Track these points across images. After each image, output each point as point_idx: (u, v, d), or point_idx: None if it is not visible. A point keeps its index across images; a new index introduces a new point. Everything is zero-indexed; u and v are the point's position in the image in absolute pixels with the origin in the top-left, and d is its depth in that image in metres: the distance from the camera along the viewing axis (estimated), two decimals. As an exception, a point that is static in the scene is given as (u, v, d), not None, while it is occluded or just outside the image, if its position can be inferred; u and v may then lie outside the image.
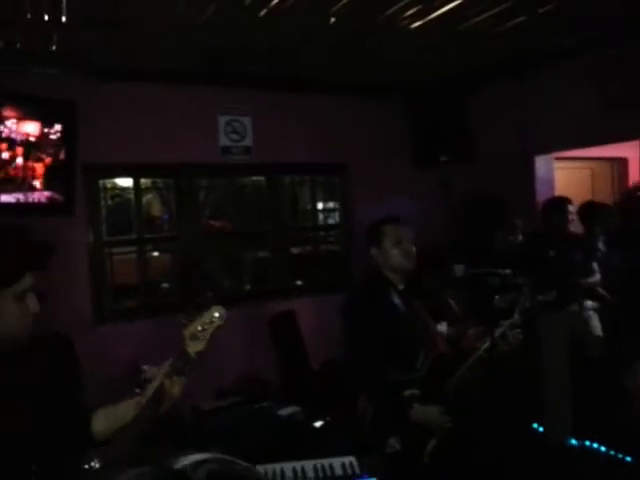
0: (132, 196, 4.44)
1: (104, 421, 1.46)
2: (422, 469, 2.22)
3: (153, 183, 4.92)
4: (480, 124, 4.76)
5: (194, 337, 1.36)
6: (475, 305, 3.36)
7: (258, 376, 4.22)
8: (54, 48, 3.55)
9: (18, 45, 3.45)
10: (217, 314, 1.38)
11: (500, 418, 2.96)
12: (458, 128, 4.78)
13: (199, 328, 1.36)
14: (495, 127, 4.67)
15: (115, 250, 4.35)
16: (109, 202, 4.72)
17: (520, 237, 4.27)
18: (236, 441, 2.93)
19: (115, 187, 4.85)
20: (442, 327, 2.86)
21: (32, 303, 1.28)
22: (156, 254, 4.79)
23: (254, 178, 5.10)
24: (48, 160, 3.71)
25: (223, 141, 4.55)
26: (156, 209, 5.18)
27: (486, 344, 2.29)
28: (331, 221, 5.40)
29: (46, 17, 3.07)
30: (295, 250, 5.13)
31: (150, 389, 1.38)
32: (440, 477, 2.20)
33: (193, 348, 1.37)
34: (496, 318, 2.41)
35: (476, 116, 4.79)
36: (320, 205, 5.38)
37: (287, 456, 1.96)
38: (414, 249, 2.48)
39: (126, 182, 4.62)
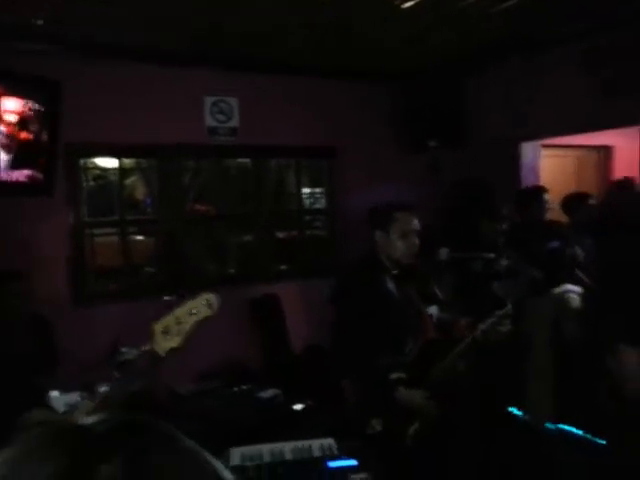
0: (115, 177, 4.37)
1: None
2: (403, 452, 2.23)
3: (137, 164, 4.84)
4: (470, 109, 4.73)
5: (166, 332, 1.18)
6: (458, 289, 3.36)
7: (240, 359, 4.20)
8: (39, 23, 3.45)
9: (2, 19, 3.34)
10: (204, 302, 1.20)
11: (484, 403, 2.98)
12: (448, 113, 4.75)
13: (174, 321, 1.18)
14: (485, 112, 4.65)
15: (96, 231, 4.29)
16: (91, 183, 4.65)
17: (505, 226, 4.28)
18: (215, 424, 2.92)
19: (97, 167, 4.77)
20: (433, 310, 2.85)
21: None
22: (139, 237, 4.73)
23: (240, 160, 5.04)
24: (29, 138, 3.62)
25: (209, 121, 4.48)
26: (140, 192, 5.11)
27: (476, 333, 2.29)
28: (317, 205, 5.37)
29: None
30: (280, 234, 5.10)
31: (102, 394, 1.28)
32: (420, 460, 2.21)
33: (163, 345, 1.18)
34: (486, 304, 2.41)
35: (467, 101, 4.76)
36: (306, 189, 5.34)
37: (267, 439, 1.94)
38: (417, 242, 2.45)
39: (109, 163, 4.54)
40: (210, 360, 4.11)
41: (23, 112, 3.60)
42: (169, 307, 1.30)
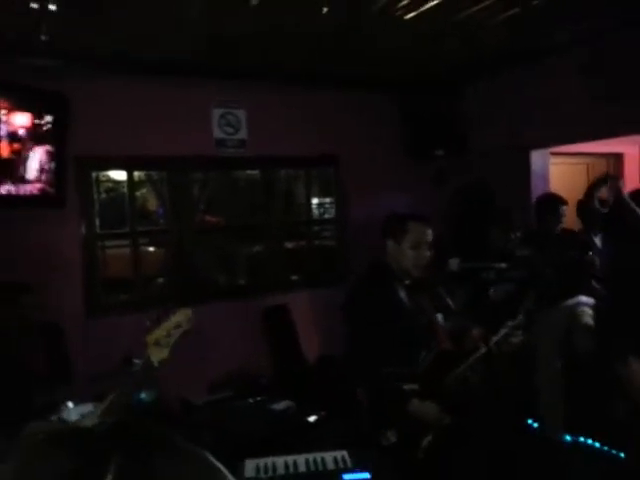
0: (126, 189, 4.41)
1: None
2: (416, 464, 2.20)
3: (147, 176, 4.88)
4: (475, 117, 4.73)
5: (158, 344, 1.24)
6: (470, 299, 3.35)
7: (251, 370, 4.20)
8: (43, 38, 3.50)
9: (8, 35, 3.40)
10: (183, 317, 1.26)
11: (497, 416, 2.95)
12: (453, 121, 4.76)
13: (164, 333, 1.23)
14: (491, 121, 4.65)
15: (108, 243, 4.32)
16: (103, 195, 4.69)
17: (519, 234, 4.25)
18: (228, 435, 2.91)
19: (109, 180, 4.81)
20: (439, 318, 2.84)
21: None
22: (150, 248, 4.75)
23: (248, 172, 5.07)
24: (39, 152, 3.67)
25: (217, 134, 4.52)
26: (152, 203, 5.15)
27: (490, 344, 2.27)
28: (326, 215, 5.38)
29: (34, 5, 3.02)
30: (289, 244, 5.11)
31: (106, 401, 1.27)
32: (434, 473, 2.19)
33: (156, 356, 1.25)
34: (495, 314, 2.40)
35: (471, 109, 4.76)
36: (315, 199, 5.35)
37: (280, 450, 1.93)
38: (429, 254, 2.44)
39: (120, 175, 4.59)
40: (222, 371, 4.11)
41: (32, 126, 3.65)
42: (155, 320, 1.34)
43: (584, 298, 3.89)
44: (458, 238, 4.40)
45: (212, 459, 0.46)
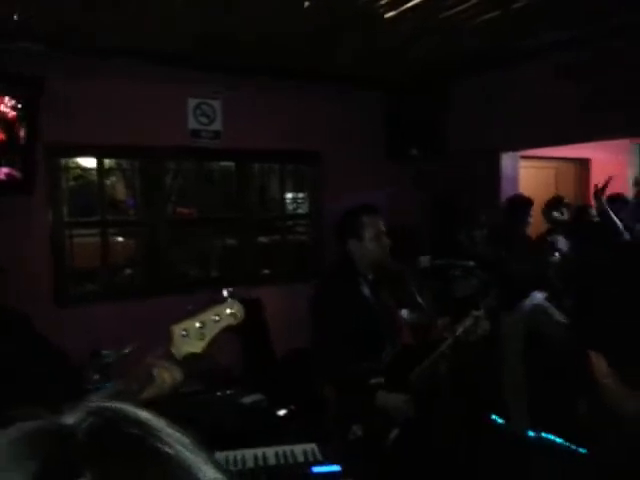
0: (96, 177, 4.32)
1: None
2: (384, 457, 2.24)
3: (118, 165, 4.79)
4: (451, 119, 4.79)
5: (186, 335, 1.11)
6: (438, 295, 3.40)
7: (221, 364, 4.17)
8: (16, 17, 3.39)
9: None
10: (229, 311, 1.14)
11: (461, 409, 3.02)
12: (429, 122, 4.81)
13: (196, 325, 1.11)
14: (466, 122, 4.72)
15: (76, 232, 4.22)
16: (71, 183, 4.58)
17: (485, 231, 4.35)
18: (197, 428, 2.90)
19: (78, 167, 4.70)
20: (403, 313, 2.88)
21: None
22: (120, 238, 4.67)
23: (223, 164, 5.03)
24: (7, 136, 3.56)
25: (192, 124, 4.46)
26: (121, 192, 5.05)
27: (458, 331, 2.32)
28: (300, 210, 5.38)
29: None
30: (263, 239, 5.09)
31: (133, 373, 1.18)
32: (401, 465, 2.22)
33: (182, 349, 1.12)
34: (459, 308, 2.44)
35: (448, 110, 4.82)
36: (289, 194, 5.34)
37: (250, 444, 1.94)
38: (389, 242, 2.47)
39: (90, 163, 4.49)
40: (191, 363, 4.08)
41: (2, 110, 3.55)
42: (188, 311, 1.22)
43: (539, 295, 3.97)
44: (430, 237, 4.47)
45: (197, 448, 0.44)
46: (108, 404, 0.45)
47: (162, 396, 1.11)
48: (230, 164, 4.90)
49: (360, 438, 2.20)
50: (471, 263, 2.29)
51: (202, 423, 2.95)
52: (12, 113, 3.57)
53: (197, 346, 1.12)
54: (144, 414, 0.45)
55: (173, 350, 1.11)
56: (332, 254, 4.39)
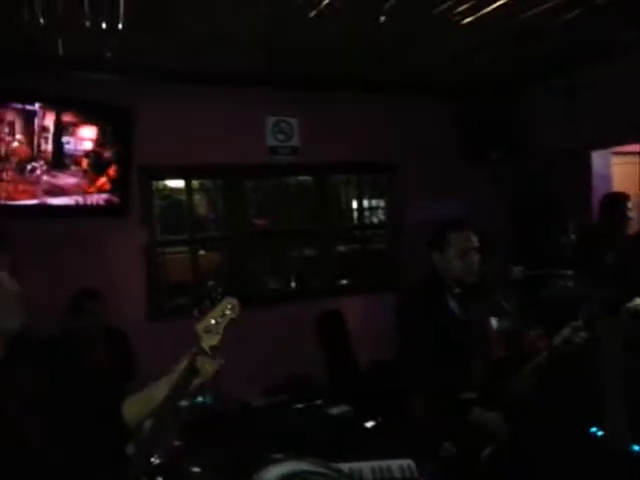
0: (183, 197, 4.56)
1: (134, 405, 1.39)
2: (478, 474, 2.18)
3: (201, 184, 5.03)
4: (532, 120, 4.62)
5: (208, 331, 1.32)
6: (530, 304, 3.27)
7: (305, 375, 4.25)
8: (109, 55, 3.67)
9: (74, 53, 3.57)
10: (229, 306, 1.34)
11: (559, 423, 2.88)
12: (510, 124, 4.67)
13: (212, 322, 1.32)
14: (549, 123, 4.53)
15: (167, 250, 4.47)
16: (160, 202, 4.86)
17: (572, 237, 4.13)
18: (286, 439, 2.96)
19: (166, 188, 4.98)
20: (493, 323, 2.80)
21: (7, 284, 1.15)
22: (207, 254, 4.89)
23: (301, 178, 5.14)
24: (105, 163, 3.85)
25: (270, 141, 4.61)
26: (206, 209, 5.29)
27: (551, 346, 2.22)
28: (377, 220, 5.38)
29: (104, 25, 3.19)
30: (342, 249, 5.14)
31: (179, 368, 1.34)
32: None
33: (207, 342, 1.33)
34: (552, 316, 2.34)
35: (527, 112, 4.66)
36: (366, 203, 5.36)
37: (338, 456, 1.95)
38: (478, 259, 2.40)
39: (176, 183, 4.74)
40: (277, 374, 4.18)
41: (99, 139, 3.84)
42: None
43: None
44: (514, 242, 4.32)
45: None
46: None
47: (206, 384, 1.33)
48: (308, 178, 5.00)
49: (454, 455, 2.16)
50: (570, 272, 2.18)
51: (289, 434, 3.01)
52: (108, 141, 3.86)
53: (216, 339, 1.32)
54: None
55: (203, 345, 1.31)
56: (413, 264, 4.38)
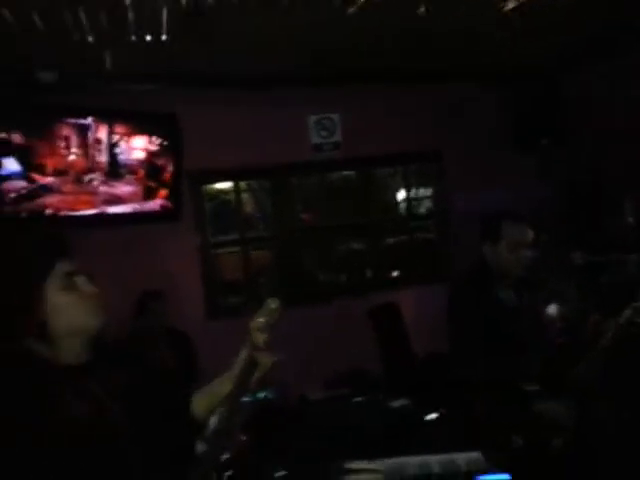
0: (231, 198, 4.66)
1: (200, 401, 1.44)
2: (550, 465, 2.15)
3: (248, 184, 5.11)
4: (585, 103, 4.46)
5: (260, 329, 1.37)
6: (589, 288, 3.18)
7: (362, 368, 4.27)
8: (154, 65, 3.78)
9: (121, 65, 3.70)
10: (273, 306, 1.39)
11: (625, 407, 2.80)
12: (560, 108, 4.53)
13: (261, 319, 1.38)
14: (601, 105, 4.36)
15: (220, 250, 4.58)
16: (209, 204, 4.97)
17: (630, 219, 3.98)
18: (346, 432, 2.99)
19: (213, 190, 5.09)
20: (552, 309, 2.74)
21: (84, 287, 1.21)
22: (257, 252, 4.98)
23: (345, 172, 5.15)
24: (158, 171, 3.98)
25: (314, 139, 4.64)
26: (253, 209, 5.38)
27: (615, 327, 2.16)
28: (426, 210, 5.32)
29: (148, 37, 3.28)
30: (391, 242, 5.13)
31: (240, 362, 1.39)
32: (570, 473, 2.12)
33: (261, 339, 1.37)
34: (614, 300, 2.28)
35: (579, 95, 4.50)
36: (413, 194, 5.31)
37: (400, 450, 1.97)
38: (530, 254, 2.34)
39: (224, 184, 4.84)
40: (335, 368, 4.23)
41: (150, 148, 3.97)
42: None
43: None
44: (572, 229, 4.19)
45: None
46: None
47: (266, 377, 1.39)
48: (351, 172, 5.01)
49: (522, 447, 2.13)
50: (630, 256, 2.11)
51: (350, 426, 3.04)
52: (159, 149, 3.98)
53: (265, 337, 1.36)
54: None
55: (259, 340, 1.36)
56: (461, 253, 4.32)
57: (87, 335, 1.21)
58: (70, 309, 1.17)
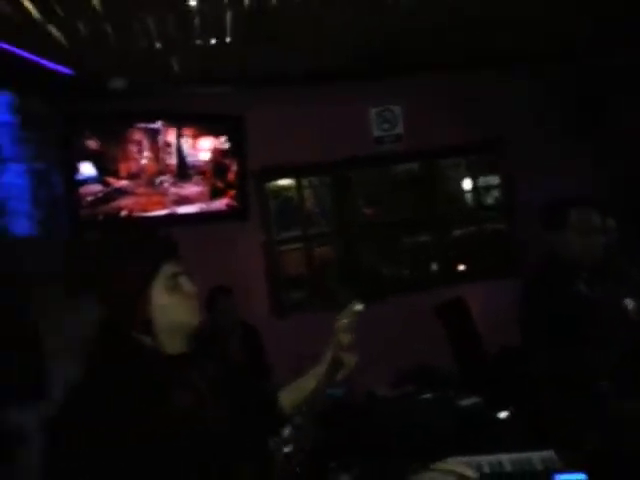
0: (293, 195, 4.70)
1: (287, 395, 1.48)
2: (627, 468, 2.03)
3: (309, 180, 5.14)
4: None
5: (344, 330, 1.39)
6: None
7: (430, 365, 4.20)
8: (217, 67, 3.88)
9: (187, 69, 3.83)
10: (358, 307, 1.40)
11: None
12: (625, 94, 4.26)
13: (345, 320, 1.40)
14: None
15: (284, 247, 4.64)
16: (274, 202, 5.04)
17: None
18: (414, 430, 2.95)
19: (275, 187, 5.17)
20: (628, 303, 2.57)
21: (187, 287, 1.25)
22: (321, 249, 5.00)
23: (408, 165, 5.06)
24: (224, 171, 4.09)
25: (376, 132, 4.61)
26: (315, 204, 5.41)
27: None
28: (493, 200, 5.15)
29: (213, 41, 3.38)
30: (456, 233, 5.00)
31: (325, 360, 1.41)
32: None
33: (345, 339, 1.40)
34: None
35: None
36: (481, 182, 5.15)
37: (471, 449, 1.92)
38: (602, 240, 2.21)
39: (285, 181, 4.89)
40: (399, 366, 4.18)
41: (216, 148, 4.08)
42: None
43: None
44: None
45: None
46: None
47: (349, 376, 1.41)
48: (414, 164, 4.93)
49: (598, 447, 2.03)
50: None
51: (418, 424, 3.00)
52: (224, 150, 4.09)
53: (349, 337, 1.38)
54: None
55: (343, 341, 1.37)
56: (533, 243, 4.14)
57: (187, 331, 1.27)
58: (173, 309, 1.22)
